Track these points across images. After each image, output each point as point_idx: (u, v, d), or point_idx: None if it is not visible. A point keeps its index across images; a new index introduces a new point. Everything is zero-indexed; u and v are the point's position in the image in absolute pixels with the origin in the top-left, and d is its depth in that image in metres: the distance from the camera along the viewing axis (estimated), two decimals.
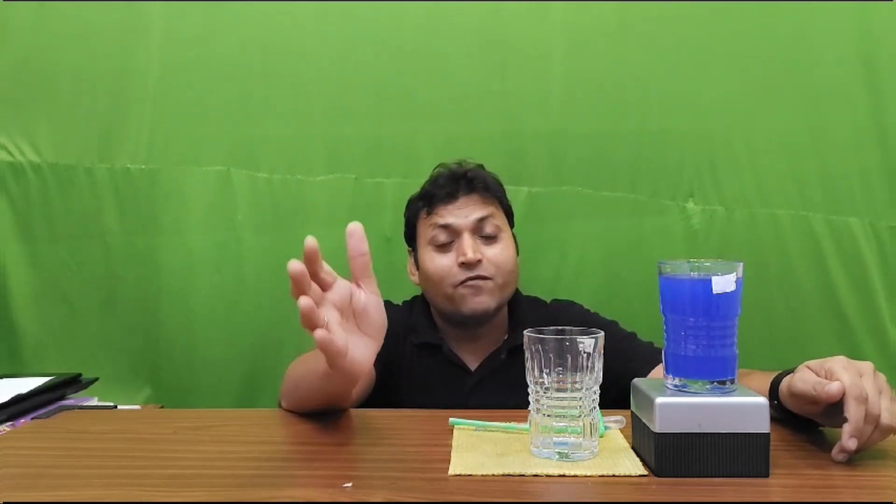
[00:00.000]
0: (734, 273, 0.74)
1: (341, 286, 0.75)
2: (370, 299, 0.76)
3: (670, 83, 1.55)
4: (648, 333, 1.24)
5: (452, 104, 1.56)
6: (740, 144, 1.54)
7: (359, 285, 0.76)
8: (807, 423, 0.86)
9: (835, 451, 0.76)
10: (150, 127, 1.56)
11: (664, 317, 0.78)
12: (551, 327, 0.79)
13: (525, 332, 0.79)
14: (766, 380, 0.89)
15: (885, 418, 0.74)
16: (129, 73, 1.56)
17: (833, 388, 0.74)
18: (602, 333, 0.78)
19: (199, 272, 1.57)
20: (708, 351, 0.75)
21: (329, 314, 0.73)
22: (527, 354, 0.79)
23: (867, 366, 0.77)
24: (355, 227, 0.75)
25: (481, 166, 1.30)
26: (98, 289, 1.58)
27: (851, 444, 0.74)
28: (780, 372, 0.87)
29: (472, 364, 1.26)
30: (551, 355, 0.77)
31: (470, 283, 1.19)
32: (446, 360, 1.25)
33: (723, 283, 0.74)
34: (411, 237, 1.31)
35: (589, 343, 0.76)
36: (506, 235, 1.26)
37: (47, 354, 1.57)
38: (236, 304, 1.57)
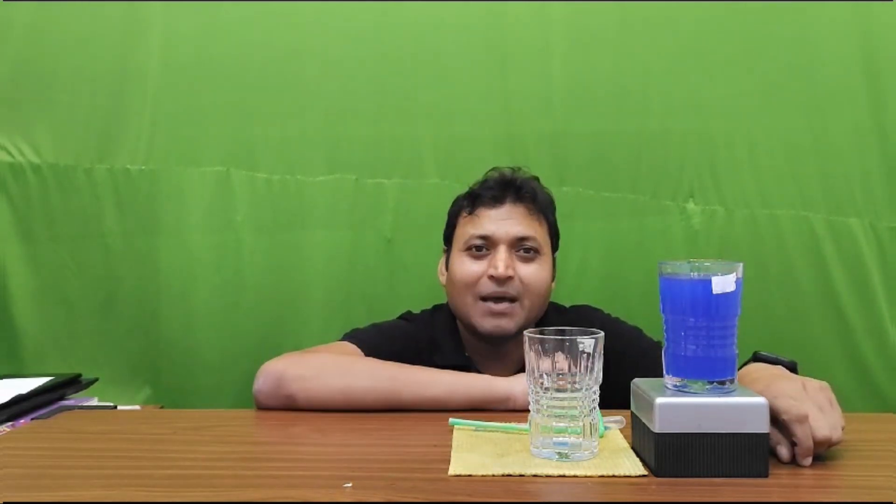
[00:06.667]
0: (734, 273, 0.75)
1: None
2: None
3: (671, 84, 1.55)
4: (649, 333, 1.23)
5: (453, 104, 1.56)
6: (741, 145, 1.54)
7: None
8: None
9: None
10: (150, 127, 1.56)
11: (664, 317, 0.78)
12: (551, 327, 0.79)
13: (525, 332, 0.79)
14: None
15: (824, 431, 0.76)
16: (129, 73, 1.56)
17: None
18: (602, 334, 0.78)
19: (199, 273, 1.56)
20: (708, 351, 0.75)
21: None
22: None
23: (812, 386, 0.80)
24: None
25: (536, 178, 1.26)
26: (98, 289, 1.57)
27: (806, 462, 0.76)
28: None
29: None
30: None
31: (494, 304, 1.15)
32: None
33: (723, 284, 0.74)
34: (449, 236, 1.27)
35: (589, 343, 0.76)
36: (544, 257, 1.21)
37: (47, 354, 1.57)
38: (236, 305, 1.56)
